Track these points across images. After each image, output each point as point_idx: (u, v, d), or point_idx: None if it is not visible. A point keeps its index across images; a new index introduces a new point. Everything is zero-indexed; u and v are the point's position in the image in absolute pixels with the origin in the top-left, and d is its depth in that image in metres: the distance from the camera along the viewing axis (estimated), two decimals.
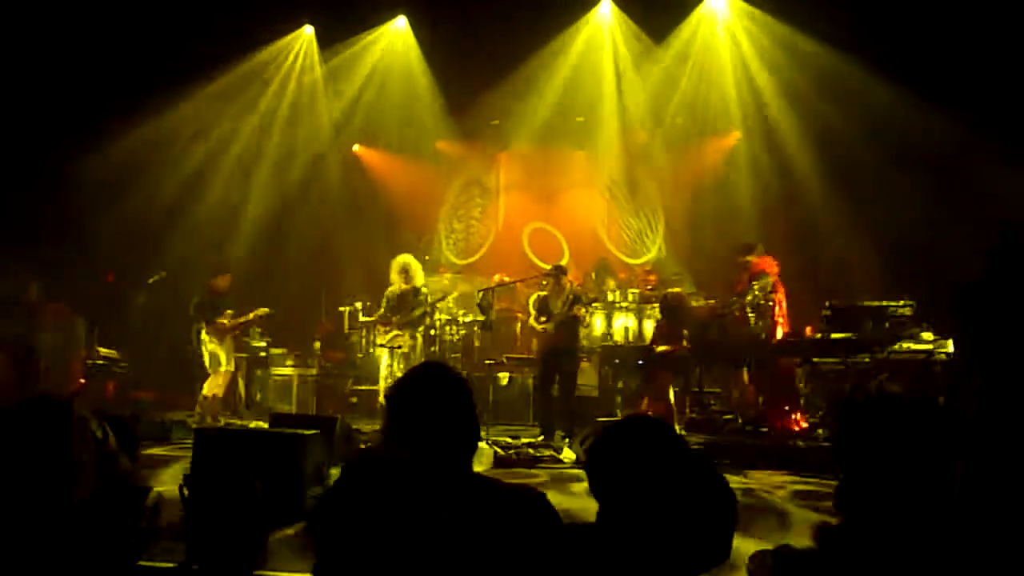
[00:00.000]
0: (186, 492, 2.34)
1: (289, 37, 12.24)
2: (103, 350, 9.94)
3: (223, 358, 8.96)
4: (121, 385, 10.24)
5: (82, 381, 10.63)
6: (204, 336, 8.97)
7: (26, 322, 10.51)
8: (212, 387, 8.90)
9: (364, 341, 10.51)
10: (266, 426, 6.94)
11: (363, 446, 6.81)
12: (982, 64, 8.84)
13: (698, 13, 11.42)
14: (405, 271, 8.33)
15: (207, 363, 8.98)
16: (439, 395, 2.19)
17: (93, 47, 10.04)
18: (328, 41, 12.28)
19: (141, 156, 11.25)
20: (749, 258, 8.68)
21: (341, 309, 11.22)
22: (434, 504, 2.01)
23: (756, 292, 8.33)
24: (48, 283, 10.82)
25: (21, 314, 10.56)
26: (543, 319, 8.61)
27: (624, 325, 10.64)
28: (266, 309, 9.45)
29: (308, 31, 12.29)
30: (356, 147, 13.89)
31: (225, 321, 8.97)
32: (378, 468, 2.22)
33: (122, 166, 11.05)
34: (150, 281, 9.20)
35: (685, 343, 8.43)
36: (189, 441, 6.05)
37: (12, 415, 1.75)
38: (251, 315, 9.22)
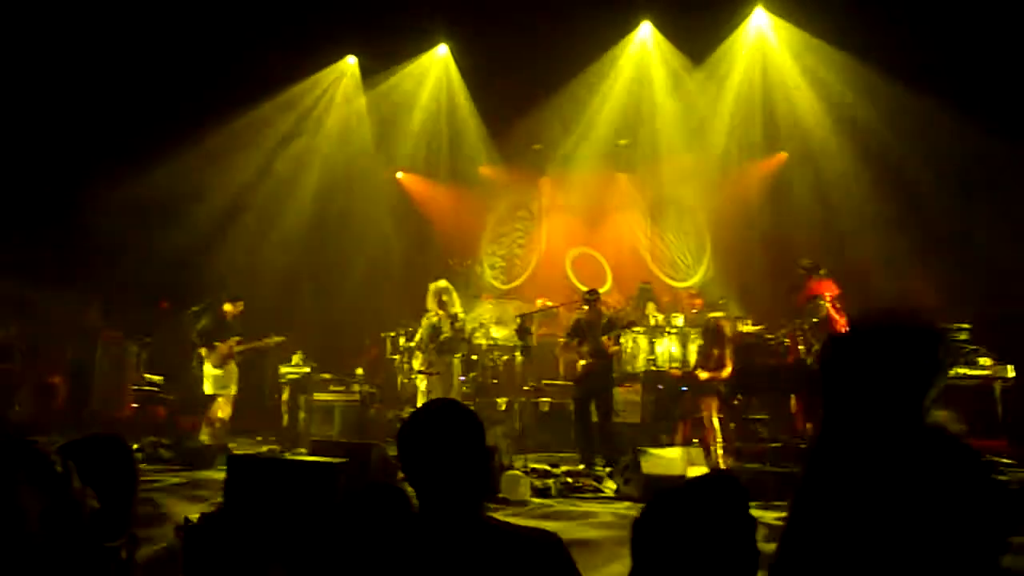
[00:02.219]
0: (180, 536, 2.28)
1: (333, 67, 12.49)
2: (150, 376, 10.13)
3: (224, 383, 8.98)
4: (170, 411, 10.43)
5: (134, 406, 10.89)
6: (205, 361, 9.02)
7: (84, 345, 10.85)
8: (218, 411, 8.98)
9: (406, 367, 10.52)
10: (305, 453, 6.97)
11: (400, 475, 6.78)
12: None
13: (739, 33, 11.29)
14: (439, 298, 8.32)
15: (206, 386, 9.00)
16: (447, 435, 2.10)
17: (139, 71, 10.36)
18: (371, 71, 12.49)
19: (191, 182, 11.54)
20: (808, 280, 8.50)
21: (384, 335, 11.27)
22: (439, 553, 1.93)
23: (799, 322, 8.17)
24: (106, 307, 11.14)
25: (80, 336, 10.90)
26: (575, 342, 8.58)
27: (668, 349, 10.44)
28: (278, 337, 9.46)
29: (351, 61, 12.52)
30: (399, 174, 14.05)
31: (224, 347, 9.03)
32: (380, 505, 2.15)
33: (174, 191, 11.35)
34: (193, 310, 9.34)
35: (729, 369, 8.23)
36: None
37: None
38: (260, 343, 9.24)
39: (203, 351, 9.03)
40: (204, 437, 8.76)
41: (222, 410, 8.96)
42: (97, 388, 10.77)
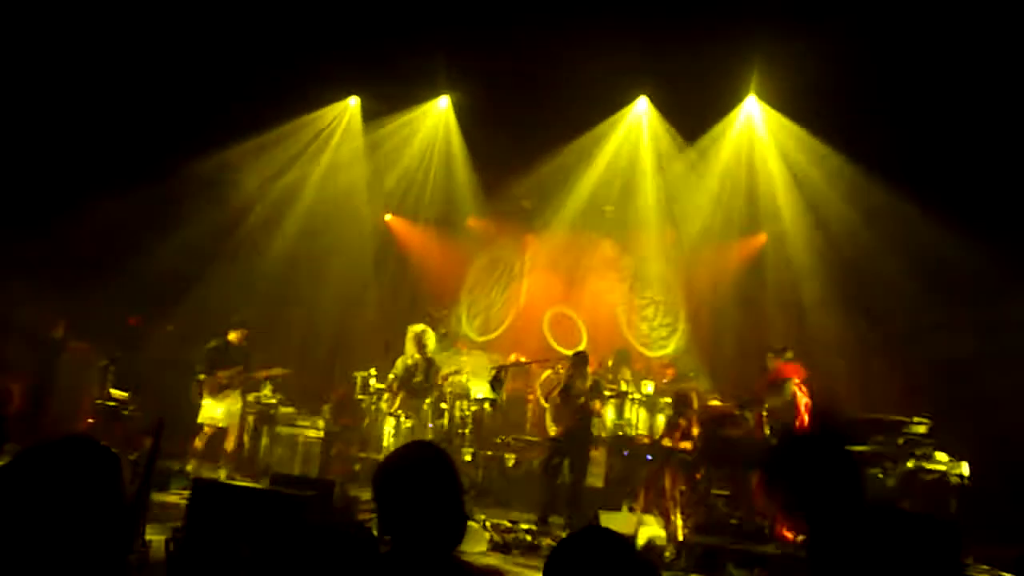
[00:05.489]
0: (172, 547, 2.30)
1: (335, 105, 12.69)
2: (115, 392, 9.98)
3: (216, 412, 8.86)
4: (128, 428, 10.22)
5: (90, 420, 10.67)
6: (202, 387, 8.89)
7: (48, 357, 10.69)
8: (202, 439, 8.87)
9: (373, 408, 10.47)
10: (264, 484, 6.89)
11: (362, 516, 6.72)
12: (1004, 190, 8.94)
13: (731, 117, 11.68)
14: (419, 341, 8.37)
15: (202, 414, 8.90)
16: (423, 478, 2.15)
17: (137, 93, 10.44)
18: (373, 114, 12.71)
19: (175, 204, 11.54)
20: (775, 362, 8.67)
21: (355, 374, 11.22)
22: None
23: (765, 403, 8.35)
24: (74, 319, 11.00)
25: (44, 348, 10.74)
26: (557, 401, 8.59)
27: (636, 416, 10.53)
28: (282, 369, 9.39)
29: (353, 102, 12.75)
30: (388, 216, 14.19)
31: (223, 375, 8.91)
32: (348, 543, 2.18)
33: (156, 212, 11.33)
34: (211, 345, 9.21)
35: (693, 441, 8.32)
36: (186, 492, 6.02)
37: (56, 454, 1.70)
38: (262, 373, 9.15)
39: (202, 376, 8.86)
40: (221, 472, 8.63)
41: (228, 441, 8.81)
42: (56, 399, 10.58)
